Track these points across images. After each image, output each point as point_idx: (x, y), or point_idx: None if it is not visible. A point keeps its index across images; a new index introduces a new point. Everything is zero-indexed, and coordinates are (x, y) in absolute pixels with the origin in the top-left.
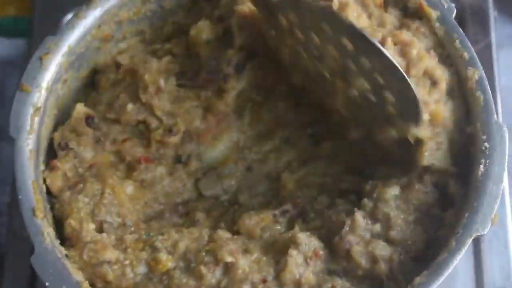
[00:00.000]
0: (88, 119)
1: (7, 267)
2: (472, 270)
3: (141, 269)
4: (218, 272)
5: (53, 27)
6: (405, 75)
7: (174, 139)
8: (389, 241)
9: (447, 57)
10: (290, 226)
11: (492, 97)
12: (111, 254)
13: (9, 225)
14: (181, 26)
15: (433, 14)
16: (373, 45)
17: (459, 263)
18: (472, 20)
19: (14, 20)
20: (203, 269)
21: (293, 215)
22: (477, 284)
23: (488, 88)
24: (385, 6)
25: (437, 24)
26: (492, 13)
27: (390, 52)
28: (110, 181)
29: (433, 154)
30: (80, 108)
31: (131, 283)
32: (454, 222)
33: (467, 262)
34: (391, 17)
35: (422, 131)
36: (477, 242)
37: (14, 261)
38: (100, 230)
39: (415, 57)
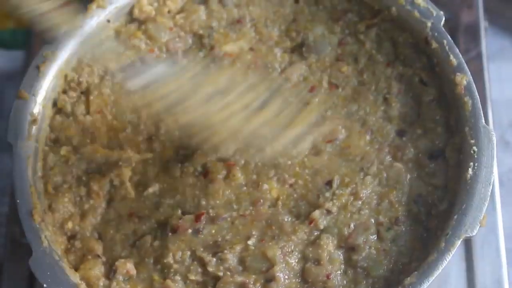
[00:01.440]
0: None
1: (5, 276)
2: (464, 275)
3: None
4: None
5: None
6: None
7: None
8: None
9: (437, 65)
10: None
11: (483, 107)
12: None
13: (8, 235)
14: None
15: (428, 23)
16: None
17: (451, 268)
18: (463, 30)
19: (13, 33)
20: None
21: None
22: None
23: (476, 93)
24: None
25: (430, 34)
26: (483, 23)
27: None
28: None
29: None
30: None
31: None
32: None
33: (459, 267)
34: None
35: None
36: (468, 248)
37: (12, 269)
38: None
39: None
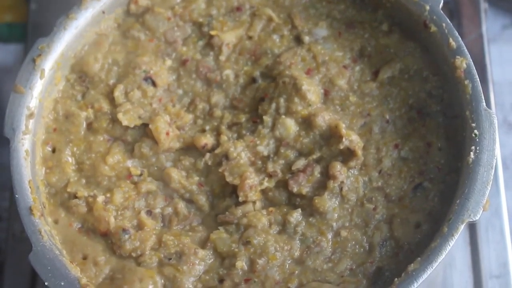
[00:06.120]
0: None
1: (7, 270)
2: (469, 259)
3: None
4: None
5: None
6: None
7: None
8: None
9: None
10: None
11: (485, 89)
12: None
13: (9, 229)
14: None
15: (426, 7)
16: None
17: (456, 252)
18: (463, 12)
19: (10, 26)
20: None
21: None
22: (474, 273)
23: (476, 76)
24: None
25: (428, 17)
26: (483, 4)
27: None
28: None
29: None
30: None
31: None
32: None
33: (464, 251)
34: None
35: None
36: (473, 231)
37: (14, 263)
38: None
39: None
